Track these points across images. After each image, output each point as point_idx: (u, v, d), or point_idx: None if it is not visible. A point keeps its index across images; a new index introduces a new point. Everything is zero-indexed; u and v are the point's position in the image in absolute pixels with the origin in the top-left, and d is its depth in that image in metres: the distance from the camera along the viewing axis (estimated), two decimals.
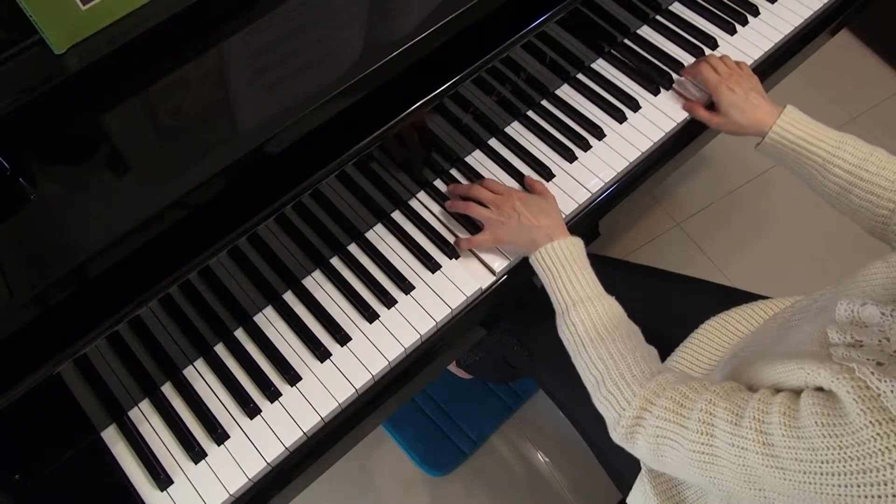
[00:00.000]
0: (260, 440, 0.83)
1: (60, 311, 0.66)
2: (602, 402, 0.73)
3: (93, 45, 0.72)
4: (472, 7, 0.80)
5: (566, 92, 1.08)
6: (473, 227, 0.95)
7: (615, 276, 1.08)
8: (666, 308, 1.02)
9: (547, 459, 1.50)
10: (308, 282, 0.92)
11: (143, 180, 0.71)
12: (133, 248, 0.68)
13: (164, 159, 0.72)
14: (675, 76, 1.07)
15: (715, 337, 0.91)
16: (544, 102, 1.06)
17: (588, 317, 0.78)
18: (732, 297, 0.97)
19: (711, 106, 1.02)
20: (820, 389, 0.55)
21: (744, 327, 0.91)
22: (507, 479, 1.48)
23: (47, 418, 0.78)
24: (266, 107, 0.74)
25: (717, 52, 1.11)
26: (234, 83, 0.76)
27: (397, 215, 0.97)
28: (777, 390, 0.60)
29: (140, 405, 0.85)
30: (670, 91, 1.07)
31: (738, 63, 1.03)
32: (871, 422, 0.49)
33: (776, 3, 1.16)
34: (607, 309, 0.79)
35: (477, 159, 1.02)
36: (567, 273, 0.81)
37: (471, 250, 0.94)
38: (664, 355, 0.94)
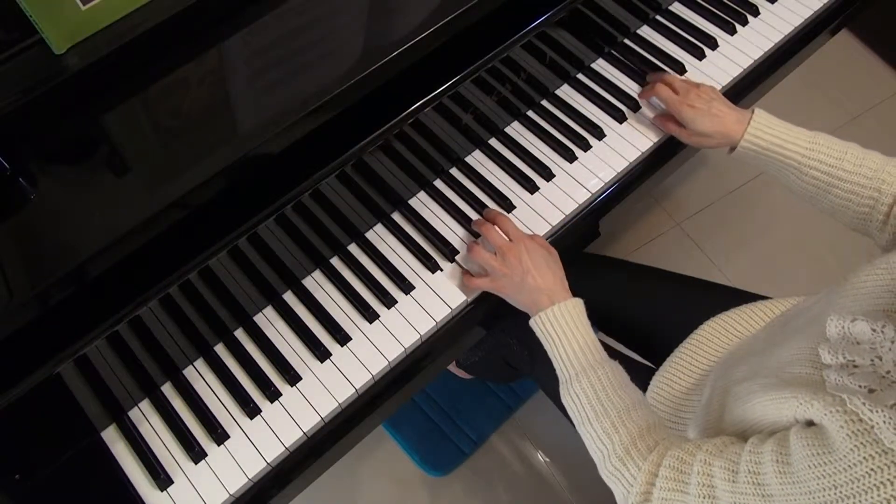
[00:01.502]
0: (260, 440, 0.83)
1: (60, 311, 0.66)
2: (609, 478, 0.72)
3: (93, 45, 0.72)
4: (472, 7, 0.80)
5: (566, 92, 1.08)
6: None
7: (616, 276, 1.09)
8: (666, 308, 1.02)
9: (547, 459, 1.50)
10: (308, 282, 0.92)
11: (143, 180, 0.71)
12: (133, 248, 0.68)
13: (164, 159, 0.72)
14: (640, 101, 1.06)
15: (714, 337, 0.91)
16: (544, 102, 1.06)
17: (591, 388, 0.76)
18: (732, 297, 0.97)
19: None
20: (810, 423, 0.54)
21: (743, 328, 0.91)
22: (507, 479, 1.48)
23: (47, 418, 0.78)
24: (266, 107, 0.74)
25: (716, 53, 1.11)
26: (234, 83, 0.76)
27: (397, 215, 0.97)
28: (769, 432, 0.60)
29: (140, 405, 0.85)
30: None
31: (687, 80, 1.00)
32: (864, 457, 0.48)
33: (776, 3, 1.16)
34: (611, 377, 0.77)
35: (477, 159, 1.02)
36: (569, 339, 0.80)
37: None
38: (664, 355, 0.94)
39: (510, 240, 0.89)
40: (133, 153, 0.72)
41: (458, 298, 0.91)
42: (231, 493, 0.80)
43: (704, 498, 0.62)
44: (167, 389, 0.86)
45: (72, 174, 0.71)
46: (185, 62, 0.76)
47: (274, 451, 0.82)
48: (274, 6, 0.80)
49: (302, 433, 0.83)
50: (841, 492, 0.49)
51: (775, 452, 0.55)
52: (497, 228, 0.91)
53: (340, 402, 0.85)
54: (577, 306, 0.83)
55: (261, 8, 0.80)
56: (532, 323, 0.84)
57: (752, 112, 0.91)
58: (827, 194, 0.84)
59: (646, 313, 1.04)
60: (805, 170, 0.85)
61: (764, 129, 0.89)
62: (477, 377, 1.48)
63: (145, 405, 0.85)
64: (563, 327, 0.81)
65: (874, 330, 0.55)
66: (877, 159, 0.83)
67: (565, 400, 0.79)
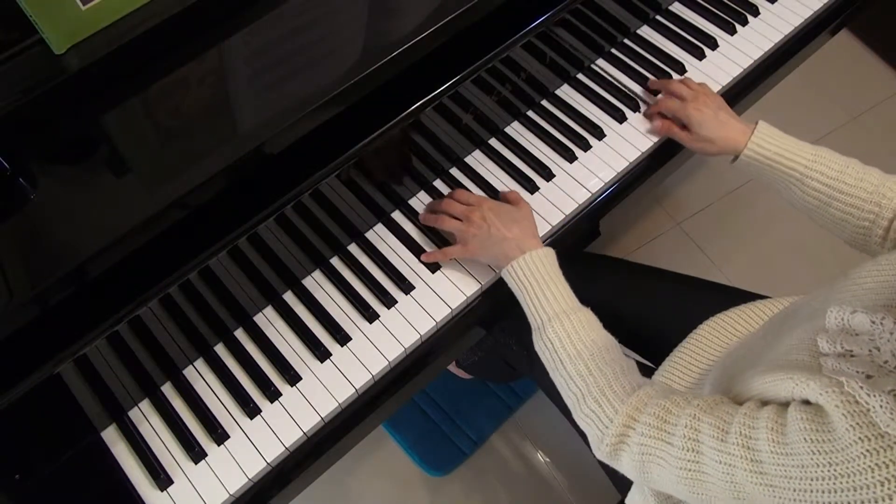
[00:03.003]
0: (260, 440, 0.83)
1: (60, 311, 0.66)
2: (584, 420, 0.72)
3: (93, 45, 0.72)
4: (472, 7, 0.80)
5: (566, 92, 1.08)
6: None
7: (616, 275, 1.09)
8: (666, 308, 1.02)
9: (547, 459, 1.50)
10: (308, 282, 0.92)
11: (144, 180, 0.71)
12: (133, 248, 0.68)
13: (165, 159, 0.72)
14: (643, 108, 1.06)
15: (714, 337, 0.91)
16: (544, 102, 1.06)
17: (564, 332, 0.76)
18: (732, 297, 0.97)
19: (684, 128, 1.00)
20: (807, 402, 0.54)
21: (743, 327, 0.91)
22: (507, 479, 1.48)
23: (47, 418, 0.78)
24: (266, 107, 0.74)
25: (716, 53, 1.11)
26: (234, 83, 0.76)
27: (397, 215, 0.97)
28: (764, 403, 0.59)
29: (140, 405, 0.85)
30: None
31: (700, 84, 1.02)
32: (860, 438, 0.48)
33: (776, 3, 1.16)
34: (584, 322, 0.77)
35: (477, 159, 1.02)
36: (541, 286, 0.80)
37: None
38: (664, 355, 0.94)
39: (471, 205, 0.90)
40: (133, 153, 0.72)
41: (458, 298, 0.91)
42: (231, 493, 0.80)
43: (689, 451, 0.61)
44: (167, 389, 0.86)
45: (72, 174, 0.71)
46: (185, 62, 0.76)
47: (274, 451, 0.82)
48: (274, 6, 0.80)
49: (302, 433, 0.83)
50: (835, 470, 0.49)
51: (771, 420, 0.55)
52: (455, 201, 0.92)
53: (340, 402, 0.85)
54: (548, 255, 0.83)
55: (261, 8, 0.80)
56: (504, 273, 0.84)
57: (757, 123, 0.92)
58: (828, 207, 0.85)
59: (646, 313, 1.04)
60: (807, 181, 0.86)
61: (768, 139, 0.90)
62: (477, 377, 1.48)
63: (145, 405, 0.85)
64: (535, 274, 0.81)
65: (873, 322, 0.55)
66: (877, 175, 0.83)
67: (538, 346, 0.79)
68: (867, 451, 0.48)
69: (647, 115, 1.05)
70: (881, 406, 0.48)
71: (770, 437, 0.54)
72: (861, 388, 0.50)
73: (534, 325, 0.80)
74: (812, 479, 0.51)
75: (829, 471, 0.50)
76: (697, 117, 0.95)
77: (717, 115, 0.95)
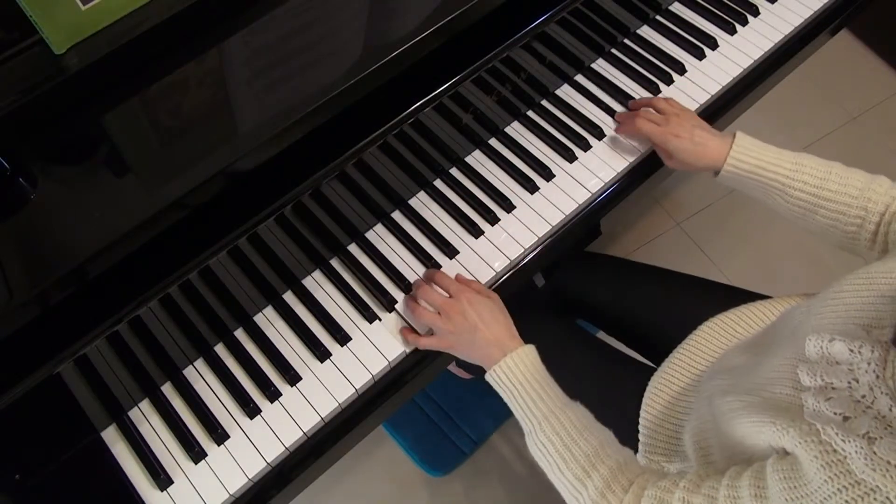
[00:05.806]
0: (260, 440, 0.83)
1: (60, 311, 0.66)
2: None
3: (93, 45, 0.72)
4: (471, 7, 0.80)
5: (566, 92, 1.08)
6: (470, 225, 0.95)
7: (616, 275, 1.09)
8: (666, 307, 1.02)
9: None
10: (308, 282, 0.92)
11: (143, 180, 0.71)
12: (133, 247, 0.68)
13: (164, 159, 0.72)
14: (613, 130, 1.03)
15: (714, 337, 0.91)
16: (544, 102, 1.06)
17: (556, 435, 0.74)
18: (732, 297, 0.97)
19: None
20: (787, 453, 0.55)
21: (742, 328, 0.91)
22: (507, 479, 1.48)
23: (47, 418, 0.78)
24: (266, 107, 0.74)
25: (716, 53, 1.11)
26: (234, 83, 0.76)
27: (397, 215, 0.97)
28: (747, 461, 0.60)
29: (140, 405, 0.85)
30: (671, 88, 1.07)
31: (667, 101, 0.99)
32: (838, 488, 0.49)
33: (776, 3, 1.16)
34: (574, 421, 0.75)
35: (477, 159, 1.02)
36: (527, 389, 0.78)
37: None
38: (664, 355, 0.94)
39: (450, 295, 0.87)
40: (133, 153, 0.72)
41: None
42: (231, 493, 0.80)
43: None
44: (167, 389, 0.86)
45: (71, 174, 0.71)
46: (184, 62, 0.76)
47: (274, 451, 0.82)
48: (274, 6, 0.80)
49: (302, 433, 0.83)
50: None
51: (753, 487, 0.56)
52: (435, 286, 0.89)
53: (340, 402, 0.85)
54: (529, 353, 0.81)
55: (261, 8, 0.80)
56: (488, 377, 0.82)
57: (734, 136, 0.90)
58: (814, 215, 0.84)
59: (646, 313, 1.04)
60: (790, 191, 0.85)
61: (746, 152, 0.88)
62: (477, 377, 1.48)
63: (145, 405, 0.85)
64: (519, 377, 0.79)
65: (851, 350, 0.55)
66: (861, 178, 0.82)
67: (533, 451, 0.77)
68: (847, 500, 0.48)
69: (616, 132, 1.03)
70: (856, 452, 0.48)
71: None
72: (837, 434, 0.50)
73: (526, 429, 0.78)
74: None
75: None
76: (676, 144, 0.93)
77: (693, 136, 0.92)
